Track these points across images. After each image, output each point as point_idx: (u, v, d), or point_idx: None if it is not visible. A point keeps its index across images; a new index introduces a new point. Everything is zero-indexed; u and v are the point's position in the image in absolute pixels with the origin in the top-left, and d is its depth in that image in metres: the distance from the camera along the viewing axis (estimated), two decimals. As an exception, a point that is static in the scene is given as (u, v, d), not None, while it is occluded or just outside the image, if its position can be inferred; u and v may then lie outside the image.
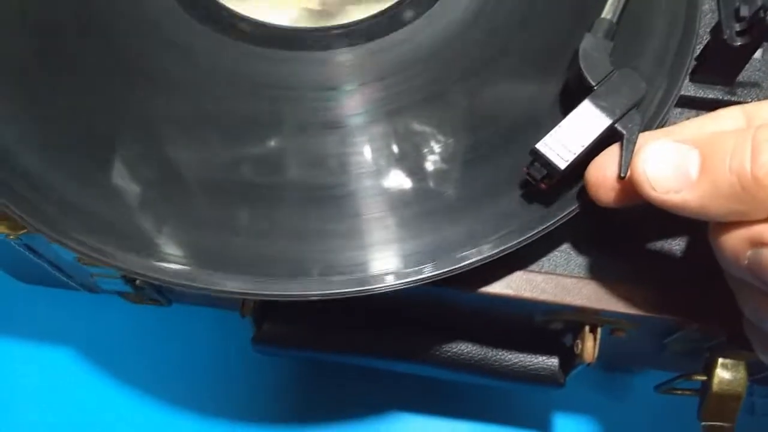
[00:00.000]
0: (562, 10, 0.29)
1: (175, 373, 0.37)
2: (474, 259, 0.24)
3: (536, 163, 0.24)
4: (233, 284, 0.23)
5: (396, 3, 0.30)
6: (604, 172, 0.23)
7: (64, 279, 0.33)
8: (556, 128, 0.23)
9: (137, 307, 0.34)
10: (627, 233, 0.27)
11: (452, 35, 0.29)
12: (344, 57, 0.29)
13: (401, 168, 0.26)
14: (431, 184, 0.26)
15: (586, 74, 0.24)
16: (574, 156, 0.23)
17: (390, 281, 0.24)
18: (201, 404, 0.37)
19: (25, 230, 0.27)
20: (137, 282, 0.29)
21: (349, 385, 0.36)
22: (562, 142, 0.23)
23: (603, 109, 0.24)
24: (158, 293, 0.31)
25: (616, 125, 0.23)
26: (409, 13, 0.30)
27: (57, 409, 0.37)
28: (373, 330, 0.30)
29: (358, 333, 0.30)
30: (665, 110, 0.27)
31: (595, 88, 0.24)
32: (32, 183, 0.25)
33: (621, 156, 0.23)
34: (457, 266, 0.24)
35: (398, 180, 0.26)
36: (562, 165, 0.23)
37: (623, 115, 0.24)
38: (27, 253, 0.30)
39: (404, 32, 0.29)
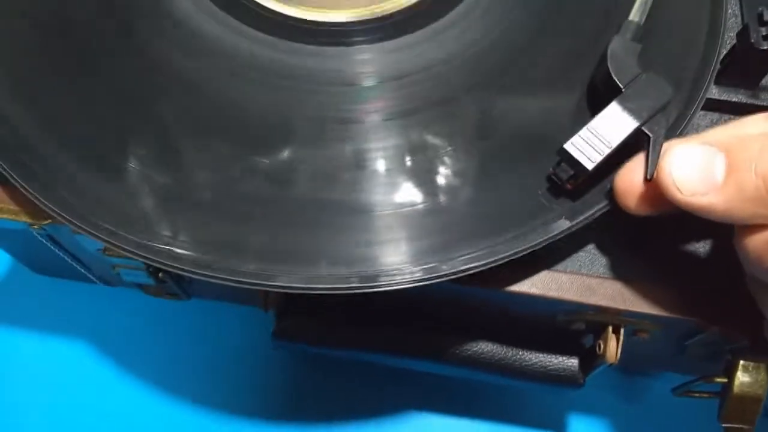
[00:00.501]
0: (584, 18, 0.29)
1: (189, 368, 0.37)
2: (495, 257, 0.24)
3: (563, 163, 0.24)
4: (250, 267, 0.23)
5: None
6: (632, 179, 0.23)
7: (82, 271, 0.33)
8: (584, 129, 0.24)
9: (152, 302, 0.34)
10: (651, 234, 0.27)
11: (472, 41, 0.29)
12: (364, 55, 0.29)
13: (424, 164, 0.26)
14: (453, 181, 0.26)
15: (614, 76, 0.25)
16: (602, 157, 0.23)
17: (414, 277, 0.24)
18: (216, 400, 0.36)
19: (49, 220, 0.27)
20: (160, 274, 0.29)
21: (367, 384, 0.36)
22: (589, 143, 0.24)
23: (630, 111, 0.24)
24: (178, 286, 0.31)
25: (642, 128, 0.24)
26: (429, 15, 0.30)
27: (69, 402, 0.36)
28: (394, 329, 0.30)
29: (378, 331, 0.30)
30: (690, 114, 0.27)
31: (623, 90, 0.24)
32: (63, 176, 0.25)
33: (647, 158, 0.23)
34: (476, 264, 0.24)
35: (420, 176, 0.26)
36: (590, 165, 0.23)
37: (650, 118, 0.24)
38: (48, 243, 0.30)
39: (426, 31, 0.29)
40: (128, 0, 0.29)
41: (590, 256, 0.27)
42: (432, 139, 0.27)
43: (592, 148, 0.23)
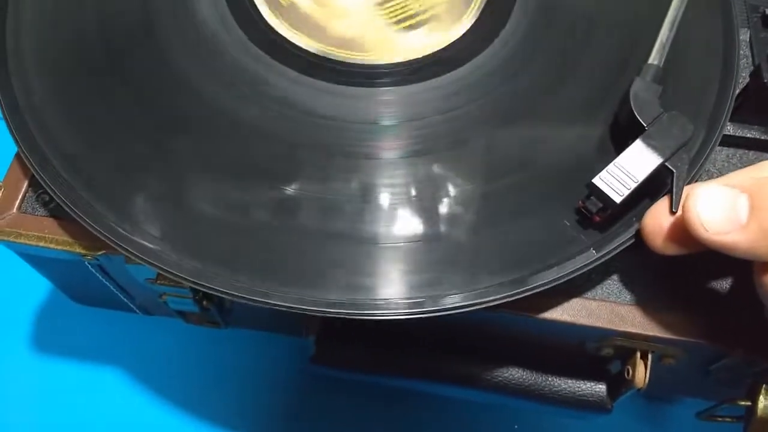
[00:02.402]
0: (602, 64, 0.31)
1: (222, 395, 0.38)
2: (529, 286, 0.25)
3: (592, 197, 0.25)
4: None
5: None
6: (660, 221, 0.24)
7: (124, 300, 0.35)
8: (611, 165, 0.25)
9: (188, 330, 0.35)
10: (677, 263, 0.28)
11: (492, 86, 0.30)
12: (387, 96, 0.30)
13: (442, 201, 0.27)
14: (472, 218, 0.27)
15: (637, 115, 0.26)
16: (629, 191, 0.25)
17: (450, 303, 0.25)
18: (249, 426, 0.37)
19: (104, 251, 0.28)
20: (204, 302, 0.30)
21: (397, 410, 0.37)
22: (617, 178, 0.25)
23: (654, 148, 0.25)
24: (219, 314, 0.32)
25: (666, 163, 0.25)
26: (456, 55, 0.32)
27: (106, 429, 0.37)
28: (428, 355, 0.31)
29: (412, 357, 0.31)
30: (708, 151, 0.28)
31: (647, 128, 0.26)
32: (122, 213, 0.26)
33: (671, 192, 0.25)
34: (509, 293, 0.25)
35: (436, 213, 0.27)
36: (618, 199, 0.25)
37: (672, 155, 0.25)
38: (96, 273, 0.31)
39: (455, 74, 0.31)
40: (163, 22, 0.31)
41: (618, 283, 0.28)
42: (453, 178, 0.28)
43: (620, 182, 0.25)
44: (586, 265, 0.26)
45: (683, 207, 0.23)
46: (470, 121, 0.29)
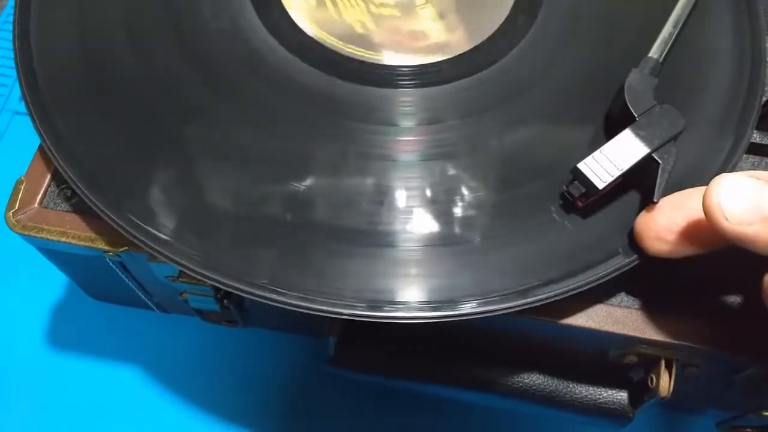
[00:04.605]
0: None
1: (239, 395, 0.38)
2: (554, 292, 0.25)
3: (576, 182, 0.26)
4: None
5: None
6: (647, 222, 0.25)
7: (143, 297, 0.35)
8: (598, 151, 0.25)
9: (206, 328, 0.35)
10: (703, 272, 0.28)
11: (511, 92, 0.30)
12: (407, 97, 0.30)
13: (459, 204, 0.27)
14: (492, 223, 0.27)
15: (629, 105, 0.26)
16: (612, 178, 0.25)
17: (469, 309, 0.25)
18: (263, 428, 0.37)
19: (126, 248, 0.28)
20: (225, 301, 0.30)
21: (415, 414, 0.37)
22: (602, 165, 0.25)
23: (642, 138, 0.25)
24: (239, 313, 0.32)
25: (653, 154, 0.25)
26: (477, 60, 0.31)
27: (122, 427, 0.37)
28: (449, 360, 0.31)
29: (433, 361, 0.31)
30: (735, 158, 0.28)
31: (637, 118, 0.26)
32: (146, 210, 0.26)
33: (656, 183, 0.25)
34: (537, 298, 0.25)
35: (454, 215, 0.27)
36: (600, 185, 0.25)
37: (661, 146, 0.26)
38: (117, 269, 0.31)
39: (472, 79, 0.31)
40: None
41: (644, 290, 0.28)
42: (470, 182, 0.28)
43: (604, 169, 0.25)
44: (613, 272, 0.26)
45: (705, 195, 0.22)
46: (490, 126, 0.29)
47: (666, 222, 0.24)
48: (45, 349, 0.39)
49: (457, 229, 0.27)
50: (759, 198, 0.21)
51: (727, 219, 0.21)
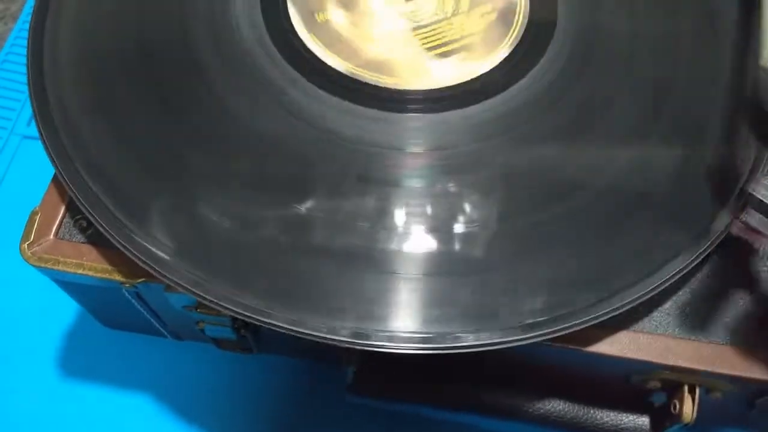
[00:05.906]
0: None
1: (253, 423, 0.37)
2: (575, 321, 0.25)
3: (751, 209, 0.23)
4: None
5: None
6: None
7: (156, 325, 0.34)
8: None
9: (218, 356, 0.35)
10: (724, 296, 0.28)
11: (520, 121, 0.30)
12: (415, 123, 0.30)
13: (473, 234, 0.27)
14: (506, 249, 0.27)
15: None
16: None
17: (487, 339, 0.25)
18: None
19: (143, 279, 0.28)
20: (242, 330, 0.30)
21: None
22: None
23: None
24: (255, 341, 0.32)
25: None
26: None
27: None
28: (467, 387, 0.31)
29: (451, 389, 0.31)
30: None
31: None
32: (164, 241, 0.26)
33: None
34: (560, 327, 0.25)
35: (467, 243, 0.26)
36: None
37: None
38: (132, 299, 0.31)
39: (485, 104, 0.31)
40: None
41: (665, 316, 0.28)
42: (483, 203, 0.27)
43: None
44: (635, 299, 0.26)
45: None
46: (499, 153, 0.29)
47: None
48: (57, 376, 0.39)
49: (466, 257, 0.26)
50: None
51: None
